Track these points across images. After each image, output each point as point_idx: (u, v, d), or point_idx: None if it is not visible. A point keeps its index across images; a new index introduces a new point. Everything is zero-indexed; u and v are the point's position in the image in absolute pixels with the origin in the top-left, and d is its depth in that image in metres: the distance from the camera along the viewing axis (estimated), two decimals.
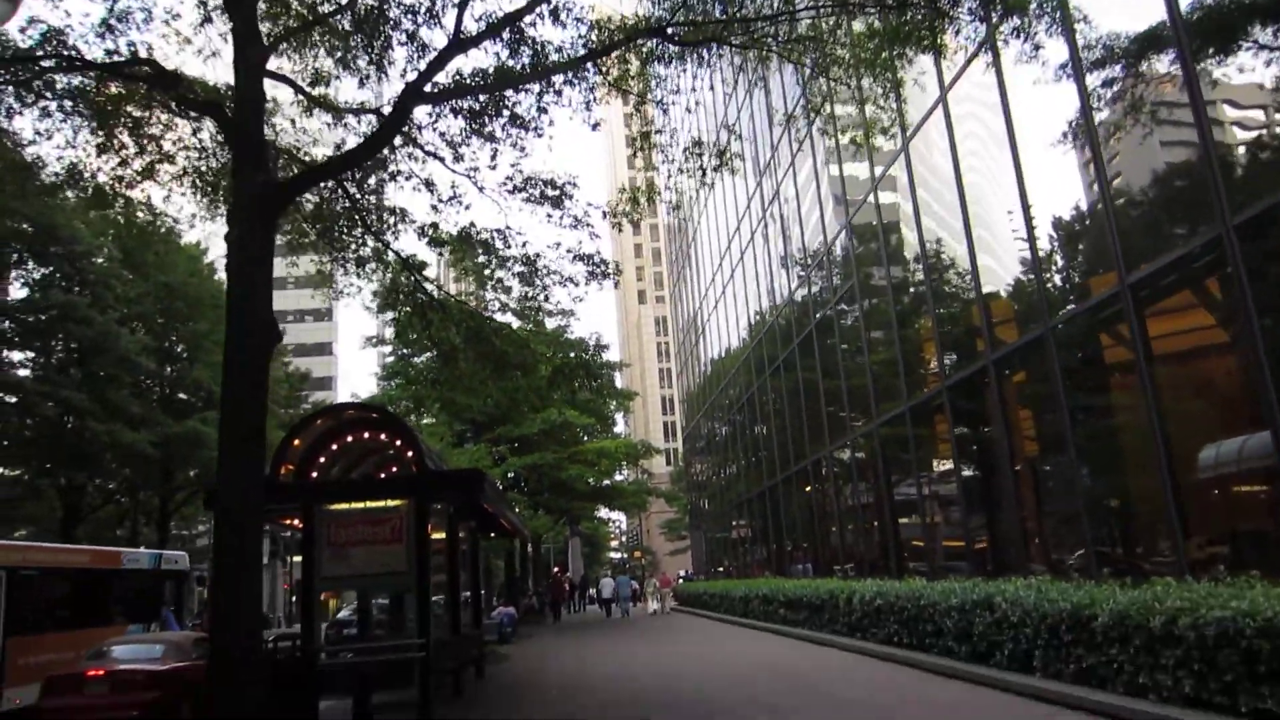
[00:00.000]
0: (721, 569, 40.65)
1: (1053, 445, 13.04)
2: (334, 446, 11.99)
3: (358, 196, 12.52)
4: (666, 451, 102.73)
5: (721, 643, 20.28)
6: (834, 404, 22.68)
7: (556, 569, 68.57)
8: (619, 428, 47.48)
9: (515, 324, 15.26)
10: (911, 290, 17.82)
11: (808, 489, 25.68)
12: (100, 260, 31.05)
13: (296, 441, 11.68)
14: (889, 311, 18.81)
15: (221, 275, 43.97)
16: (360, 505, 11.48)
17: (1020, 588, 11.33)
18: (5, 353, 31.50)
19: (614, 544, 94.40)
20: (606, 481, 39.20)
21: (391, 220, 13.14)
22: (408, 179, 12.81)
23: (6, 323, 28.67)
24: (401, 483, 11.72)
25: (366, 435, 12.01)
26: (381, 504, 11.51)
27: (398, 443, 11.87)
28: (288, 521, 12.68)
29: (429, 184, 12.65)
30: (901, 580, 16.01)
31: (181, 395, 37.42)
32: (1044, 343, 12.43)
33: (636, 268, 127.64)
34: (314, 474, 11.83)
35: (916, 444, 17.20)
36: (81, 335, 28.55)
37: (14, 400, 27.28)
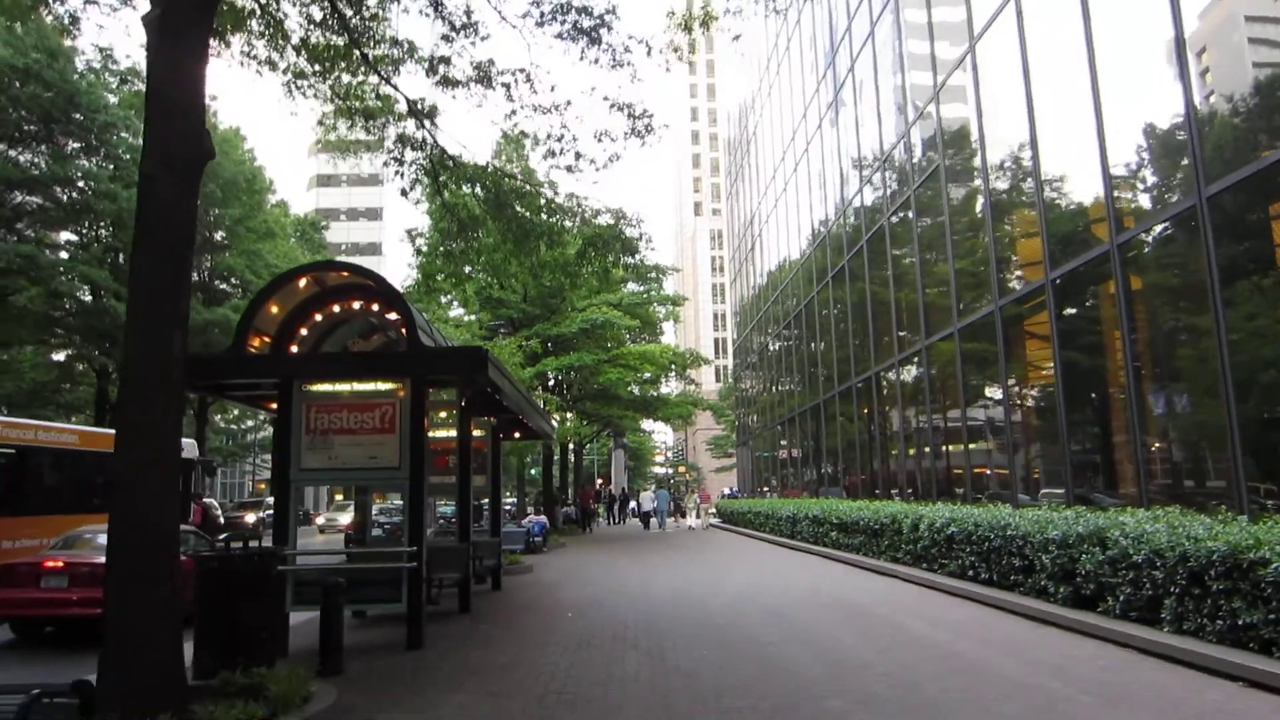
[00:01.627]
0: (767, 489, 39.00)
1: (1190, 350, 10.66)
2: (318, 317, 10.13)
3: (352, 18, 10.35)
4: (716, 368, 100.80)
5: (765, 564, 18.54)
6: (900, 314, 20.31)
7: (601, 480, 68.01)
8: (668, 339, 45.35)
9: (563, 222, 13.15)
10: (1006, 176, 15.21)
11: (867, 410, 23.52)
12: (126, 135, 29.46)
13: (274, 307, 9.83)
14: (973, 206, 16.25)
15: (261, 161, 42.47)
16: (347, 387, 9.66)
17: (1144, 520, 9.19)
18: (49, 233, 30.46)
19: (659, 458, 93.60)
20: (653, 393, 37.38)
21: (395, 53, 10.98)
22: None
23: (19, 196, 27.23)
24: (390, 359, 9.82)
25: (357, 305, 10.11)
26: (372, 386, 9.68)
27: (391, 317, 9.96)
28: (271, 406, 10.92)
29: (436, 4, 10.42)
30: (976, 506, 13.91)
31: (218, 283, 36.37)
32: (1191, 219, 9.94)
33: (693, 179, 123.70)
34: (293, 348, 10.01)
35: (1007, 349, 14.82)
36: (105, 210, 27.13)
37: (32, 275, 26.01)
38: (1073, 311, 13.16)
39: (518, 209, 11.50)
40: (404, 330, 9.56)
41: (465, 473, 12.31)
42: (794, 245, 31.97)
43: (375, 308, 10.11)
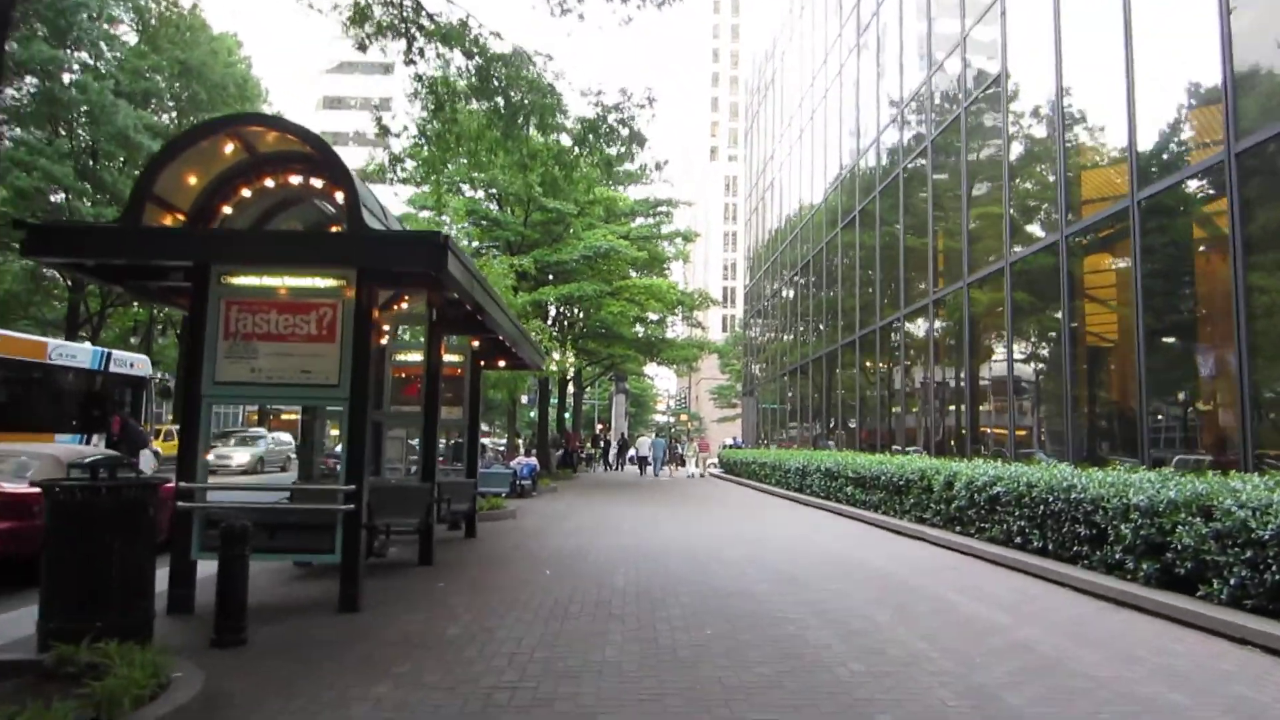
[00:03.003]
0: (764, 440, 37.38)
1: None
2: (246, 193, 8.18)
3: None
4: (723, 318, 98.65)
5: (773, 519, 16.79)
6: (935, 254, 18.32)
7: (601, 424, 66.45)
8: (677, 279, 43.13)
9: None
10: (1080, 87, 13.10)
11: (886, 361, 21.64)
12: (99, 23, 27.10)
13: (190, 177, 7.87)
14: (1030, 130, 14.18)
15: (257, 71, 39.92)
16: (278, 282, 7.74)
17: (1261, 488, 7.33)
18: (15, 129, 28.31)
19: (660, 406, 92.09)
20: (658, 334, 35.41)
21: None
22: None
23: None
24: (324, 241, 7.80)
25: (296, 181, 8.14)
26: (309, 283, 7.77)
27: (339, 197, 7.99)
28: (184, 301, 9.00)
29: None
30: (1027, 464, 12.03)
31: None
32: None
33: (711, 123, 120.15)
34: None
35: (1072, 284, 12.85)
36: (73, 101, 24.90)
37: None
38: (1162, 239, 11.14)
39: (500, 83, 9.43)
40: (350, 213, 7.59)
41: (433, 401, 10.47)
42: (814, 187, 29.80)
43: (320, 185, 8.14)
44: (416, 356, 12.90)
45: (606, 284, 26.90)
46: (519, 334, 11.88)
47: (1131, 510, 8.37)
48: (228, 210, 8.15)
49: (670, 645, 6.29)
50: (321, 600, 7.87)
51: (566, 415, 45.13)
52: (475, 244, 26.57)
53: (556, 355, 21.65)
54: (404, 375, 13.04)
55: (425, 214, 25.89)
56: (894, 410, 21.72)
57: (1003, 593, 8.73)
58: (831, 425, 26.65)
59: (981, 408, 16.57)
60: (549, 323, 28.30)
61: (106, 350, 16.58)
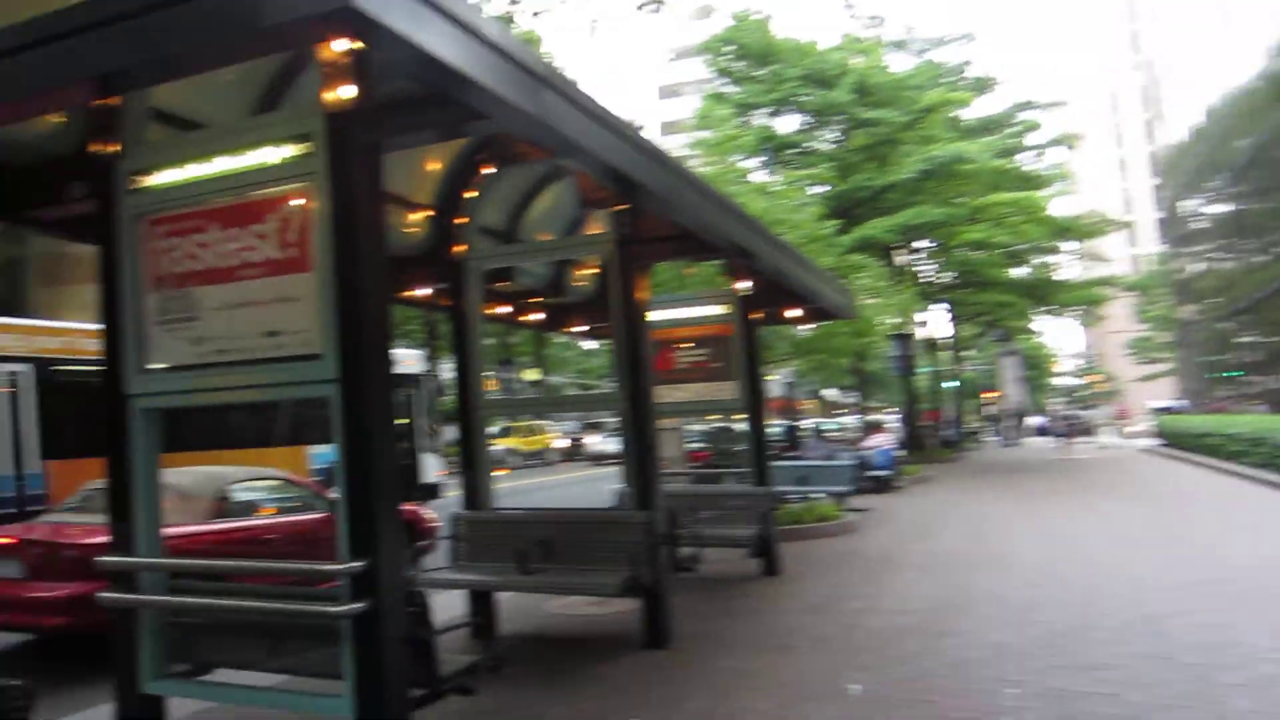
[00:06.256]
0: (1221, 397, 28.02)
1: None
2: None
3: None
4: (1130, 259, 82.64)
5: None
6: None
7: (992, 393, 57.64)
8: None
9: None
10: None
11: None
12: None
13: None
14: None
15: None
16: (205, 169, 3.92)
17: None
18: None
19: (1058, 367, 79.23)
20: (1043, 269, 27.67)
21: None
22: None
23: None
24: None
25: None
26: (252, 161, 3.86)
27: None
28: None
29: None
30: None
31: None
32: None
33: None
34: None
35: None
36: None
37: None
38: None
39: None
40: None
41: (636, 368, 6.04)
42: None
43: None
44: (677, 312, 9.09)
45: (958, 209, 20.51)
46: (775, 250, 7.14)
47: None
48: None
49: None
50: None
51: (947, 384, 38.27)
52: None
53: (900, 302, 16.13)
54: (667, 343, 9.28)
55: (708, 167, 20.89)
56: None
57: None
58: None
59: None
60: (898, 272, 22.46)
61: None
